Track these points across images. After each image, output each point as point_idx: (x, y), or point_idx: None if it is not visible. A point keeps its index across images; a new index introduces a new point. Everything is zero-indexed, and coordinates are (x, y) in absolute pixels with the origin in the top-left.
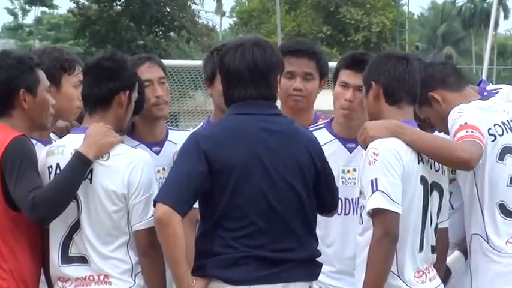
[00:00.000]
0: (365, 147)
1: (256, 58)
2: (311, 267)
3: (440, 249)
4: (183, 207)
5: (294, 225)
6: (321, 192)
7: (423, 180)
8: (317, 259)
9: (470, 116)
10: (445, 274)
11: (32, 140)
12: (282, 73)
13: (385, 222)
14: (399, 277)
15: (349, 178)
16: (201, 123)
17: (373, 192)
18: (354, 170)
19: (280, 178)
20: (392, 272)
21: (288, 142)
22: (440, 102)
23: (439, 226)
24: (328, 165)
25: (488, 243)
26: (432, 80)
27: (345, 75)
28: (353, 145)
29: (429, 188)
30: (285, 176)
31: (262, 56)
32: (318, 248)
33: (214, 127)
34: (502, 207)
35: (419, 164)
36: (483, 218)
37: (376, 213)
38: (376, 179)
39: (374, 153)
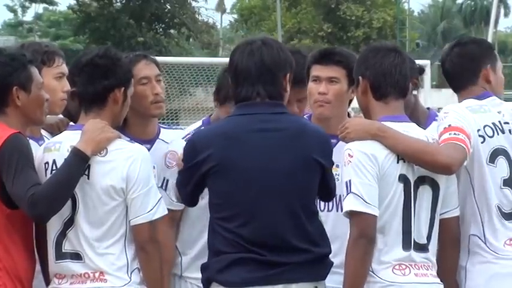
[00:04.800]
0: (345, 142)
1: (264, 56)
2: (317, 267)
3: (447, 238)
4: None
5: (293, 224)
6: (322, 187)
7: (403, 178)
8: (327, 258)
9: (455, 117)
10: None
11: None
12: (292, 72)
13: (360, 224)
14: (375, 274)
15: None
16: (201, 122)
17: (347, 194)
18: (337, 166)
19: (276, 176)
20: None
21: (290, 140)
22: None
23: (445, 216)
24: (332, 162)
25: (485, 244)
26: None
27: (316, 70)
28: (334, 141)
29: (412, 185)
30: (282, 173)
31: (269, 54)
32: (326, 246)
33: (208, 129)
34: (499, 210)
35: (398, 163)
36: (481, 220)
37: (352, 215)
38: (350, 181)
39: (349, 155)
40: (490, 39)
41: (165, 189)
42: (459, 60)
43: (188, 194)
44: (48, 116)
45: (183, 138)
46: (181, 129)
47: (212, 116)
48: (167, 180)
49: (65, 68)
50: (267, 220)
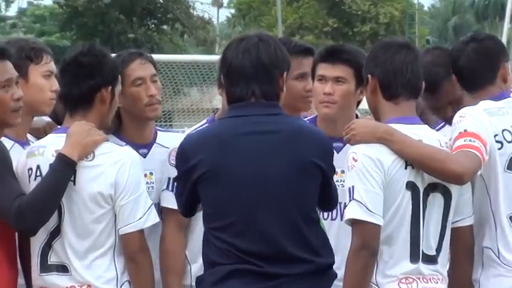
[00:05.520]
0: (350, 145)
1: (261, 53)
2: (319, 279)
3: (460, 249)
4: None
5: (291, 233)
6: (323, 194)
7: (411, 185)
8: (329, 269)
9: (471, 122)
10: None
11: (9, 140)
12: (289, 71)
13: (362, 234)
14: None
15: (337, 180)
16: (205, 121)
17: (349, 201)
18: (342, 171)
19: (271, 181)
20: (372, 283)
21: (286, 143)
22: None
23: (458, 225)
24: (333, 167)
25: (499, 258)
26: None
27: (322, 69)
28: (340, 144)
29: (421, 192)
30: (278, 178)
31: (266, 51)
32: (329, 256)
33: (199, 132)
34: None
35: (406, 168)
36: (496, 231)
37: (354, 224)
38: (353, 187)
39: (353, 159)
40: (505, 35)
41: (172, 190)
42: (477, 57)
43: (184, 203)
44: (35, 118)
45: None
46: (178, 132)
47: (217, 115)
48: (173, 180)
49: (53, 66)
50: (263, 229)
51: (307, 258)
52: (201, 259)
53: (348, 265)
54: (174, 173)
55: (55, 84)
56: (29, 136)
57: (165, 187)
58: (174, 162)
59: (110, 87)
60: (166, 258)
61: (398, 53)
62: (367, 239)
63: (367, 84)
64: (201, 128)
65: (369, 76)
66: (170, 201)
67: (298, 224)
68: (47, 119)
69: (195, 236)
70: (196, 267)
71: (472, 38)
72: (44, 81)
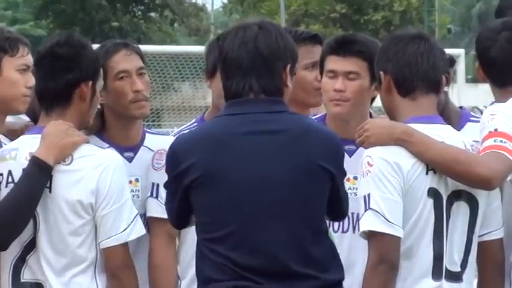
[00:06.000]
0: (364, 148)
1: (259, 43)
2: None
3: (488, 266)
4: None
5: (295, 246)
6: (332, 202)
7: (433, 192)
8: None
9: (503, 121)
10: None
11: None
12: (295, 63)
13: (380, 248)
14: None
15: (349, 188)
16: (193, 121)
17: (365, 211)
18: (355, 178)
19: (274, 188)
20: None
21: (291, 144)
22: None
23: (486, 238)
24: (344, 171)
25: None
26: None
27: (331, 62)
28: (353, 147)
29: (445, 200)
30: (282, 184)
31: (266, 41)
32: (338, 271)
33: (191, 132)
34: None
35: (427, 174)
36: None
37: (371, 236)
38: (368, 195)
39: (368, 163)
40: None
41: (157, 197)
42: (511, 47)
43: (174, 212)
44: (11, 119)
45: (174, 135)
46: (168, 134)
47: (206, 113)
48: (157, 185)
49: (30, 59)
50: (264, 241)
51: (313, 274)
52: (192, 273)
53: (365, 283)
54: (158, 178)
55: (31, 80)
56: (3, 139)
57: (149, 194)
58: (158, 166)
59: (90, 82)
60: (156, 274)
61: (410, 44)
62: (386, 253)
63: (381, 83)
64: (191, 128)
65: (381, 73)
66: (157, 209)
67: (303, 235)
68: (26, 118)
69: (186, 248)
70: (187, 282)
71: (504, 25)
72: (19, 75)
